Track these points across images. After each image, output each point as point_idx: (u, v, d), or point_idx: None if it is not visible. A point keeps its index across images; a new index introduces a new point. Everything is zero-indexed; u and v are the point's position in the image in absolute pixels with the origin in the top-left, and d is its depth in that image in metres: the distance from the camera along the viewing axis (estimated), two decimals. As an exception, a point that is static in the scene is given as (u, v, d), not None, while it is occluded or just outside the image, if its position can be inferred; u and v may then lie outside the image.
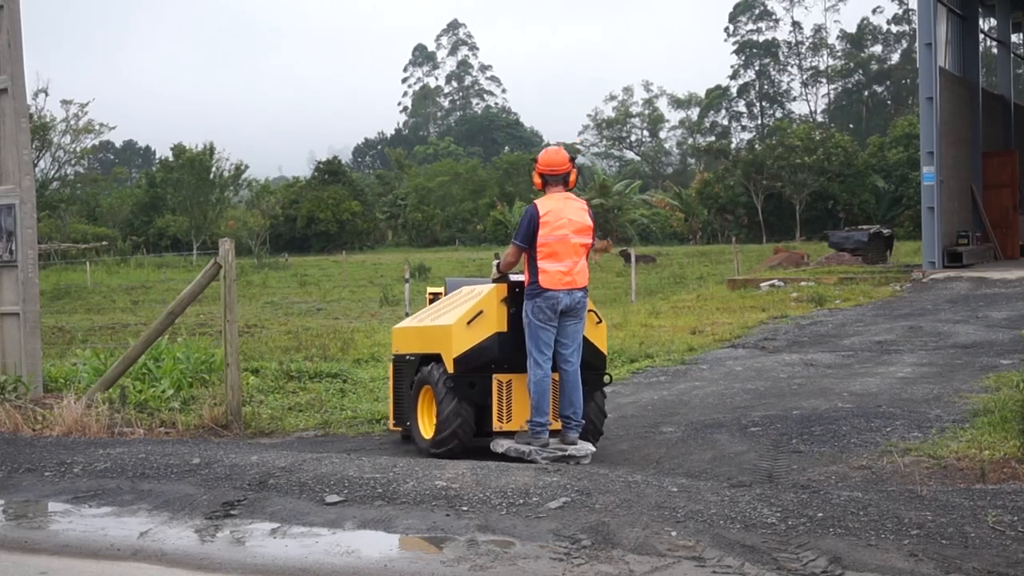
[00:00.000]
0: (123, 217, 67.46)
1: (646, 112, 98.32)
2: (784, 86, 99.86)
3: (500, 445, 7.25)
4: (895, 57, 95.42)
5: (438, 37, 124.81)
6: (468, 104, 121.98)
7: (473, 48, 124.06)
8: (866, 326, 14.93)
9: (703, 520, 5.26)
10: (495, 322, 7.27)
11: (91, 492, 6.41)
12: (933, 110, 23.01)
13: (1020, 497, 5.51)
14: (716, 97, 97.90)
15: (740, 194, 62.81)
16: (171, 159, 65.89)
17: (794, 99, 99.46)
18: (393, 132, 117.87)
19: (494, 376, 7.29)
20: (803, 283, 22.44)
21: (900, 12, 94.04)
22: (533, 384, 7.12)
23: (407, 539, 5.33)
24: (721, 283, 25.24)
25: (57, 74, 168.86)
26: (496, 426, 7.32)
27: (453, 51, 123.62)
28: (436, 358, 7.45)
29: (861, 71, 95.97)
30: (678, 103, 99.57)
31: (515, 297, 7.31)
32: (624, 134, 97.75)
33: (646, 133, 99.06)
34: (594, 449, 7.28)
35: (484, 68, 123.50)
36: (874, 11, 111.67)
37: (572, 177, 7.35)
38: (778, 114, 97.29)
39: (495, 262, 7.63)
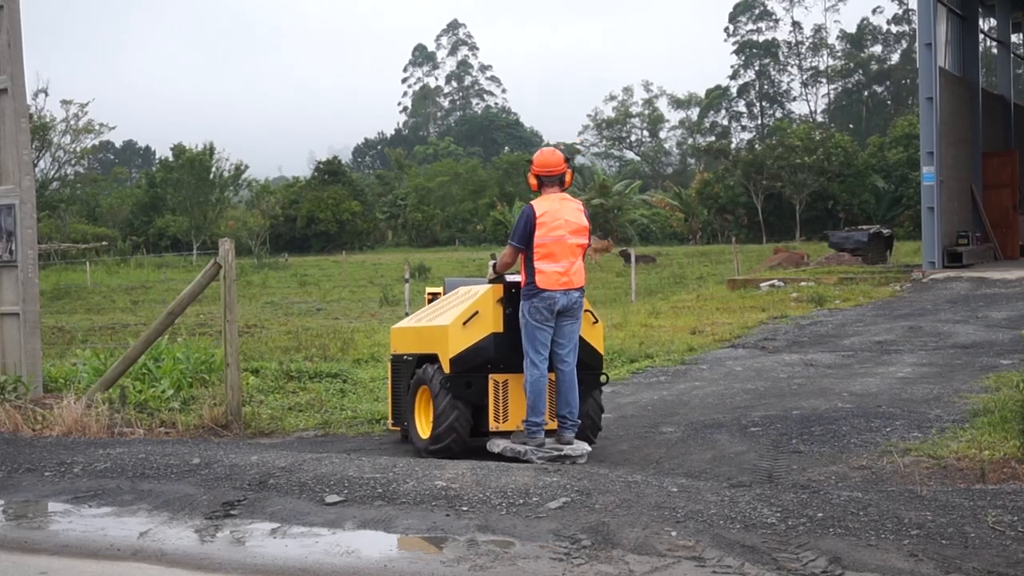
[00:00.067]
0: (123, 217, 67.48)
1: (646, 112, 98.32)
2: (784, 86, 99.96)
3: (496, 445, 7.28)
4: (895, 57, 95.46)
5: (438, 37, 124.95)
6: (468, 104, 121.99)
7: (473, 48, 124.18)
8: (866, 326, 14.93)
9: (703, 520, 5.26)
10: (491, 322, 7.30)
11: (91, 492, 6.41)
12: (933, 110, 23.01)
13: (1020, 497, 5.51)
14: (716, 97, 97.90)
15: (740, 194, 62.81)
16: (171, 159, 65.90)
17: (794, 99, 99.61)
18: (393, 132, 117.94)
19: (490, 376, 7.32)
20: (803, 283, 22.44)
21: (900, 12, 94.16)
22: (529, 384, 7.14)
23: (407, 539, 5.34)
24: (721, 283, 25.24)
25: (57, 74, 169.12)
26: (492, 426, 7.35)
27: (453, 51, 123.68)
28: (433, 358, 7.47)
29: (861, 71, 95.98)
30: (678, 103, 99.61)
31: (511, 297, 7.34)
32: (624, 134, 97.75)
33: (646, 133, 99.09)
34: (590, 449, 7.31)
35: (484, 68, 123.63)
36: (874, 11, 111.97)
37: (567, 177, 7.38)
38: (778, 114, 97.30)
39: (491, 263, 7.65)
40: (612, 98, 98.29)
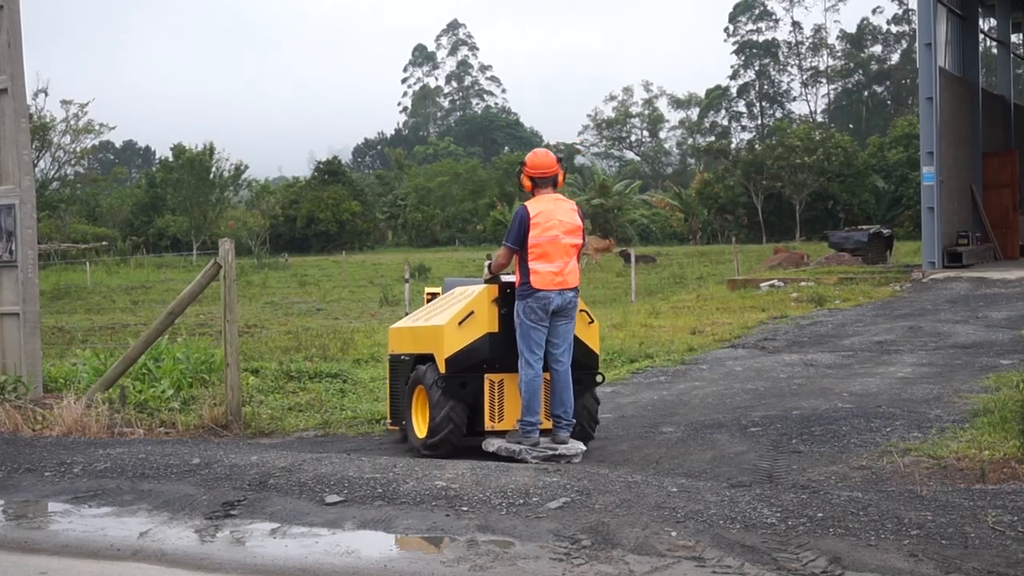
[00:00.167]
0: (123, 217, 67.49)
1: (646, 112, 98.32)
2: (784, 86, 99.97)
3: (491, 444, 7.31)
4: (895, 57, 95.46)
5: (438, 37, 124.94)
6: (468, 104, 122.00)
7: (473, 48, 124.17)
8: (866, 326, 14.93)
9: (703, 520, 5.26)
10: (486, 322, 7.33)
11: (91, 492, 6.41)
12: (933, 110, 23.01)
13: (1020, 497, 5.51)
14: (716, 97, 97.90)
15: (740, 194, 62.82)
16: (171, 159, 65.91)
17: (794, 99, 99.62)
18: (393, 132, 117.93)
19: (486, 376, 7.35)
20: (803, 283, 22.43)
21: (900, 12, 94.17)
22: (524, 384, 7.17)
23: (407, 539, 5.34)
24: (721, 283, 25.24)
25: (57, 74, 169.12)
26: (488, 425, 7.39)
27: (453, 51, 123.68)
28: (429, 358, 7.51)
29: (861, 71, 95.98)
30: (678, 103, 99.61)
31: (506, 298, 7.38)
32: (624, 134, 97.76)
33: (646, 133, 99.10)
34: (584, 448, 7.34)
35: (484, 68, 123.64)
36: (874, 11, 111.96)
37: (560, 178, 7.44)
38: (778, 114, 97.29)
39: (487, 263, 7.69)
40: (612, 98, 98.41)
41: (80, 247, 51.01)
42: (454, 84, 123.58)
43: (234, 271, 8.86)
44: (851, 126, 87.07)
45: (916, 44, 24.48)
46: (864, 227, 33.09)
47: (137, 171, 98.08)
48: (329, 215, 68.70)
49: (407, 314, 9.80)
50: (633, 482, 5.99)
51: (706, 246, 56.30)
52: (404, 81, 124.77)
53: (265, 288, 32.55)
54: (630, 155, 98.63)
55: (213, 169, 62.92)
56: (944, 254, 23.58)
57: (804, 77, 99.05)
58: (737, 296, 21.09)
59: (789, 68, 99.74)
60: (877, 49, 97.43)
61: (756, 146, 68.34)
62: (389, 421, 8.47)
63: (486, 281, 7.54)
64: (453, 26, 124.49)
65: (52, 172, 58.27)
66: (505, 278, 7.47)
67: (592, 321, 7.67)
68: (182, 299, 9.19)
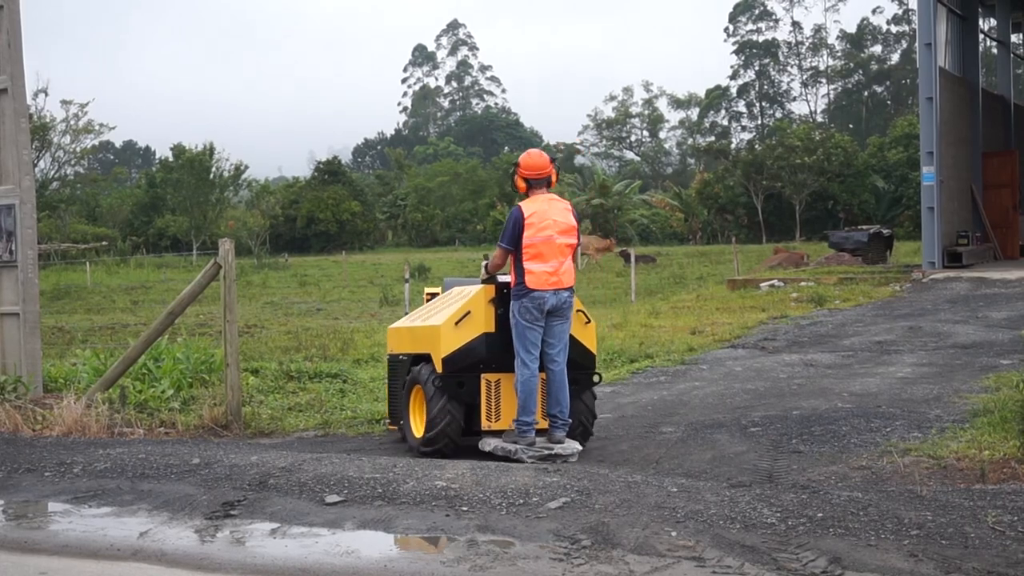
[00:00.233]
0: (123, 217, 67.48)
1: (646, 112, 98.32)
2: (784, 86, 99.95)
3: (488, 444, 7.34)
4: (895, 57, 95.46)
5: (438, 37, 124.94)
6: (468, 104, 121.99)
7: (473, 48, 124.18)
8: (866, 326, 14.93)
9: (703, 520, 5.26)
10: (483, 322, 7.36)
11: (91, 492, 6.41)
12: (933, 110, 23.01)
13: (1020, 497, 5.51)
14: (716, 97, 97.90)
15: (740, 194, 62.81)
16: (171, 159, 65.90)
17: (794, 99, 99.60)
18: (393, 132, 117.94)
19: (482, 376, 7.38)
20: (803, 283, 22.44)
21: (900, 12, 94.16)
22: (520, 383, 7.20)
23: (407, 539, 5.34)
24: (721, 283, 25.24)
25: (57, 74, 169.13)
26: (485, 425, 7.41)
27: (453, 51, 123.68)
28: (426, 358, 7.54)
29: (861, 71, 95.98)
30: (678, 103, 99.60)
31: (503, 298, 7.41)
32: (624, 134, 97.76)
33: (646, 133, 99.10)
34: (581, 448, 7.35)
35: (484, 68, 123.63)
36: (874, 11, 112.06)
37: (554, 178, 7.47)
38: (778, 114, 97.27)
39: (484, 263, 7.72)
40: (612, 98, 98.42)
41: (80, 247, 51.01)
42: (454, 84, 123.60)
43: (234, 271, 8.86)
44: (851, 126, 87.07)
45: (916, 44, 24.48)
46: (864, 227, 33.09)
47: (137, 171, 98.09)
48: (329, 215, 68.70)
49: (407, 314, 9.81)
50: (633, 482, 5.99)
51: (706, 246, 56.30)
52: (404, 81, 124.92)
53: (265, 288, 32.55)
54: (630, 155, 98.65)
55: (213, 169, 62.92)
56: (944, 254, 23.58)
57: (804, 77, 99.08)
58: (737, 296, 21.09)
59: (789, 68, 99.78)
60: (877, 49, 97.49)
61: (756, 146, 68.34)
62: (388, 421, 8.49)
63: (483, 281, 7.57)
64: (453, 26, 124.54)
65: (52, 172, 58.28)
66: (502, 278, 7.50)
67: (589, 321, 7.70)
68: (182, 299, 9.19)
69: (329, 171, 76.36)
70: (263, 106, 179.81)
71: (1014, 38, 34.09)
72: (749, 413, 8.68)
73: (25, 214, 10.14)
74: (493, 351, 7.34)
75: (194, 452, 7.19)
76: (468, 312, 7.35)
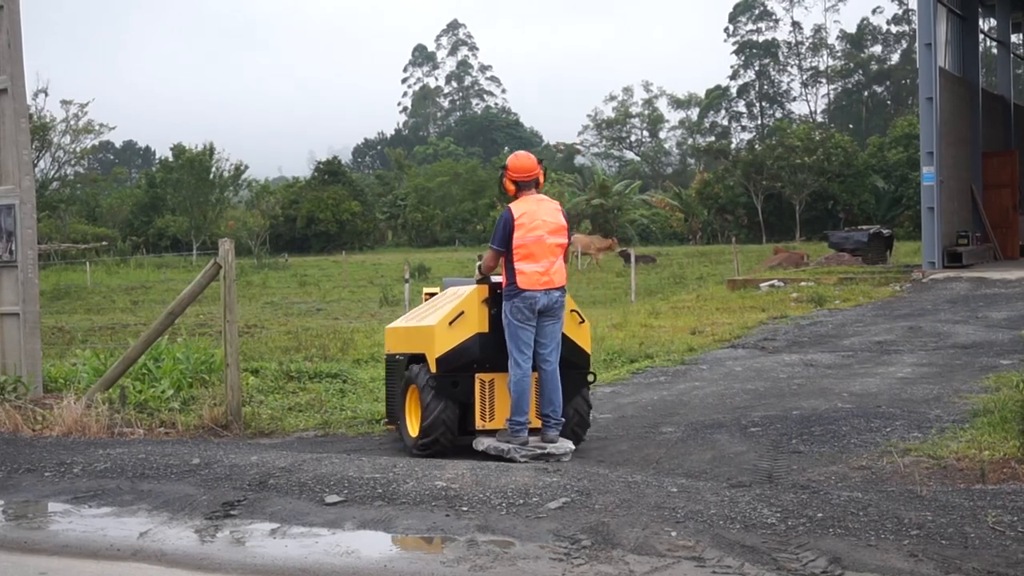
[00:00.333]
0: (123, 217, 67.50)
1: (646, 112, 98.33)
2: (784, 86, 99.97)
3: (481, 443, 7.36)
4: (895, 57, 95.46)
5: (438, 37, 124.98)
6: (468, 104, 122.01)
7: (473, 48, 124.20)
8: (866, 326, 14.93)
9: (703, 520, 5.26)
10: (476, 323, 7.39)
11: (91, 492, 6.41)
12: (933, 110, 23.01)
13: (1020, 497, 5.51)
14: (716, 97, 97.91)
15: (740, 194, 62.83)
16: (171, 159, 65.93)
17: (794, 99, 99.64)
18: (393, 132, 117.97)
19: (476, 375, 7.40)
20: (803, 283, 22.43)
21: (900, 12, 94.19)
22: (513, 383, 7.23)
23: (407, 539, 5.34)
24: (721, 283, 25.24)
25: (57, 74, 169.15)
26: (479, 424, 7.44)
27: (453, 51, 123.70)
28: (421, 358, 7.57)
29: (861, 71, 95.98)
30: (678, 103, 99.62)
31: (496, 298, 7.45)
32: (624, 134, 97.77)
33: (646, 133, 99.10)
34: (574, 447, 7.37)
35: (484, 68, 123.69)
36: (874, 11, 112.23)
37: (542, 179, 7.52)
38: (778, 114, 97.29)
39: (477, 264, 7.74)
40: (612, 98, 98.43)
41: (80, 247, 51.03)
42: (454, 84, 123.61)
43: (234, 271, 8.86)
44: (851, 126, 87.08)
45: (916, 44, 24.47)
46: (864, 227, 33.09)
47: (137, 171, 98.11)
48: (329, 215, 68.71)
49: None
50: (633, 482, 5.99)
51: (706, 246, 56.31)
52: (404, 81, 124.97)
53: (265, 288, 32.54)
54: (630, 155, 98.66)
55: (213, 169, 62.94)
56: (944, 254, 23.58)
57: (804, 77, 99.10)
58: (737, 296, 21.08)
59: (789, 68, 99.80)
60: (877, 49, 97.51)
61: (756, 146, 68.35)
62: (386, 421, 8.51)
63: (478, 282, 7.60)
64: (453, 26, 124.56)
65: (52, 172, 58.29)
66: (495, 279, 7.53)
67: (583, 321, 7.72)
68: (182, 299, 9.19)
69: (329, 171, 76.37)
70: (263, 106, 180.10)
71: (1014, 38, 34.10)
72: (749, 413, 8.68)
73: (25, 214, 10.14)
74: (487, 351, 7.37)
75: (194, 452, 7.19)
76: (462, 312, 7.38)
